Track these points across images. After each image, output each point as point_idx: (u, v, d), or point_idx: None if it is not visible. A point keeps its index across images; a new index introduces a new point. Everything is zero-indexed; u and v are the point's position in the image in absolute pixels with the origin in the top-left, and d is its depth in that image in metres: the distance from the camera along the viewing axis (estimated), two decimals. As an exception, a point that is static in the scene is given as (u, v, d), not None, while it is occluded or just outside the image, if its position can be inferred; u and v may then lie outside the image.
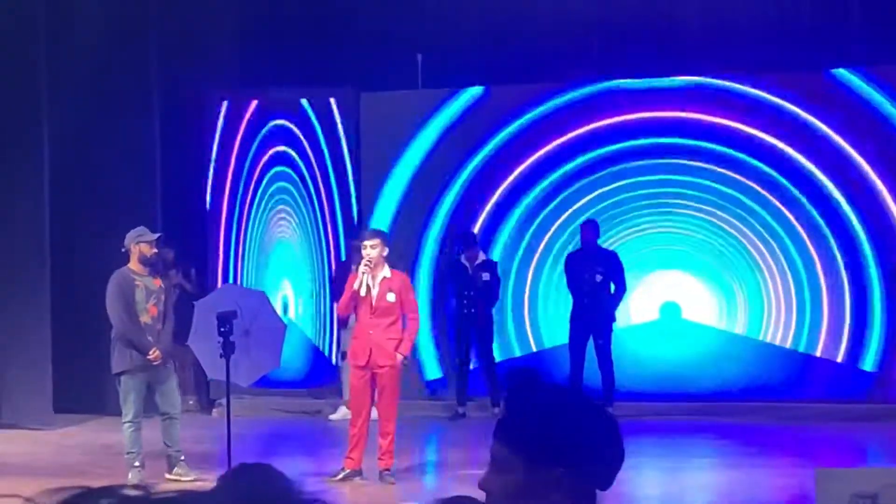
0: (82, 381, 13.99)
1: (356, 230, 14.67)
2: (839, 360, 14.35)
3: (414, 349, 14.34)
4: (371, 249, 10.56)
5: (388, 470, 10.69)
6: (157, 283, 10.85)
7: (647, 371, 14.62)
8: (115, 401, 14.15)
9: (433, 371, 15.22)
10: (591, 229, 14.18)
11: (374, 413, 11.09)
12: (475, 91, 15.22)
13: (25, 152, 13.44)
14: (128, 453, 10.73)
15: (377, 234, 10.98)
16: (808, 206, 14.40)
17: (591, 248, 14.10)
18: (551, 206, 15.06)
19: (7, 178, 13.47)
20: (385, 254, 10.69)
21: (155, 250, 10.87)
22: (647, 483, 11.41)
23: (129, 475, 10.48)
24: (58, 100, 13.64)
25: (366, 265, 10.55)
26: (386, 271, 10.68)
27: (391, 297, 10.60)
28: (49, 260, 13.54)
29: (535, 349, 15.13)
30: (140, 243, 10.77)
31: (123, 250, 10.85)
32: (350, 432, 10.78)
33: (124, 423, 10.75)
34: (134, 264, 10.78)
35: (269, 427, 13.88)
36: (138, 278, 10.75)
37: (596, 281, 13.94)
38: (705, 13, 14.94)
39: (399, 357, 10.61)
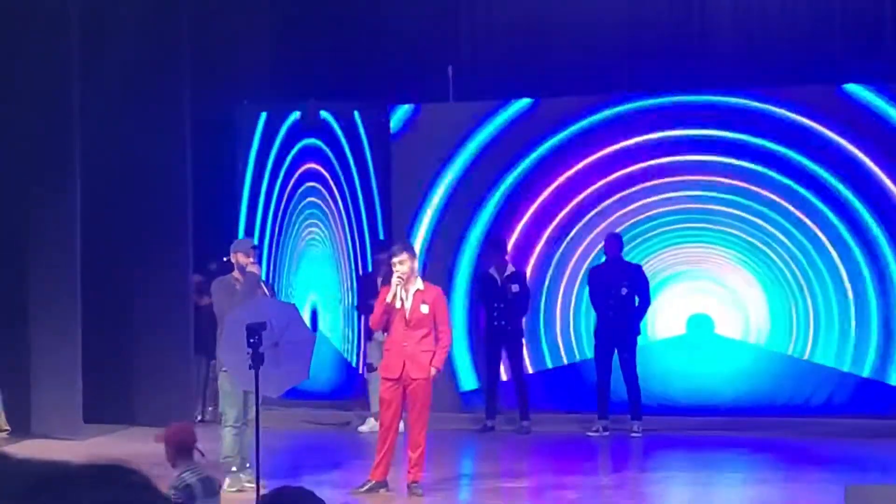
0: (112, 391, 14.05)
1: (382, 243, 14.73)
2: (865, 374, 14.30)
3: (449, 361, 14.37)
4: (400, 265, 10.62)
5: (416, 482, 10.70)
6: (259, 291, 11.01)
7: (676, 385, 14.60)
8: (144, 411, 14.26)
9: (469, 382, 15.22)
10: (614, 243, 14.14)
11: (402, 426, 11.12)
12: (521, 104, 15.19)
13: (57, 165, 13.50)
14: (225, 458, 10.74)
15: (403, 248, 10.95)
16: (836, 223, 14.35)
17: (616, 262, 14.07)
18: (583, 220, 15.05)
19: (39, 191, 13.54)
20: (415, 266, 10.72)
21: (251, 259, 11.13)
22: (675, 498, 11.39)
23: (227, 480, 10.50)
24: (91, 113, 13.70)
25: (399, 279, 10.59)
26: (419, 284, 10.72)
27: (424, 308, 10.62)
28: (79, 271, 13.59)
29: (566, 362, 15.13)
30: (237, 252, 11.13)
31: (226, 259, 11.34)
32: (378, 444, 10.80)
33: (226, 426, 10.88)
34: (236, 272, 11.09)
35: (299, 439, 13.91)
36: (239, 285, 10.99)
37: (621, 294, 13.91)
38: (736, 27, 14.96)
39: (433, 370, 10.63)
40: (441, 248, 15.20)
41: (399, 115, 15.41)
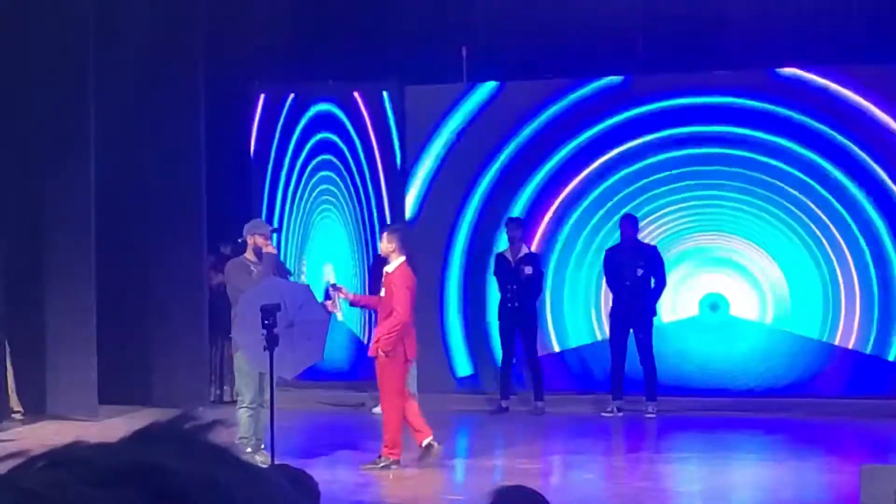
0: (127, 372, 14.08)
1: (394, 224, 14.77)
2: (869, 352, 14.28)
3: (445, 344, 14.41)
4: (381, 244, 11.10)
5: (378, 457, 10.91)
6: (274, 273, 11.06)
7: (691, 366, 14.57)
8: (159, 391, 14.29)
9: (464, 368, 15.22)
10: (630, 224, 14.12)
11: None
12: (520, 84, 15.19)
13: (73, 146, 13.50)
14: (240, 438, 10.75)
15: (386, 229, 11.40)
16: (851, 203, 14.33)
17: (631, 243, 14.05)
18: (590, 197, 15.01)
19: (54, 172, 13.55)
20: (392, 247, 10.83)
21: (270, 243, 11.14)
22: (690, 478, 11.38)
23: None
24: (106, 93, 13.70)
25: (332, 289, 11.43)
26: (390, 266, 10.88)
27: (383, 292, 10.93)
28: (94, 251, 13.61)
29: (573, 346, 15.10)
30: (255, 235, 11.11)
31: (240, 240, 11.33)
32: None
33: (241, 407, 10.92)
34: (249, 254, 11.10)
35: (313, 419, 13.92)
36: (253, 266, 11.00)
37: (637, 275, 13.90)
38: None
39: (380, 353, 10.77)
40: (436, 226, 15.21)
41: (411, 95, 15.40)
